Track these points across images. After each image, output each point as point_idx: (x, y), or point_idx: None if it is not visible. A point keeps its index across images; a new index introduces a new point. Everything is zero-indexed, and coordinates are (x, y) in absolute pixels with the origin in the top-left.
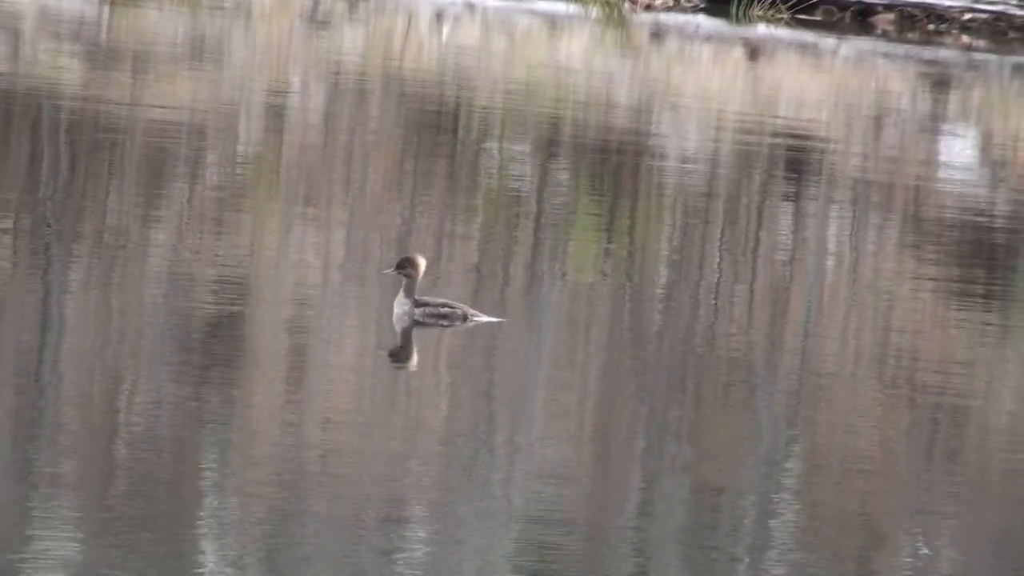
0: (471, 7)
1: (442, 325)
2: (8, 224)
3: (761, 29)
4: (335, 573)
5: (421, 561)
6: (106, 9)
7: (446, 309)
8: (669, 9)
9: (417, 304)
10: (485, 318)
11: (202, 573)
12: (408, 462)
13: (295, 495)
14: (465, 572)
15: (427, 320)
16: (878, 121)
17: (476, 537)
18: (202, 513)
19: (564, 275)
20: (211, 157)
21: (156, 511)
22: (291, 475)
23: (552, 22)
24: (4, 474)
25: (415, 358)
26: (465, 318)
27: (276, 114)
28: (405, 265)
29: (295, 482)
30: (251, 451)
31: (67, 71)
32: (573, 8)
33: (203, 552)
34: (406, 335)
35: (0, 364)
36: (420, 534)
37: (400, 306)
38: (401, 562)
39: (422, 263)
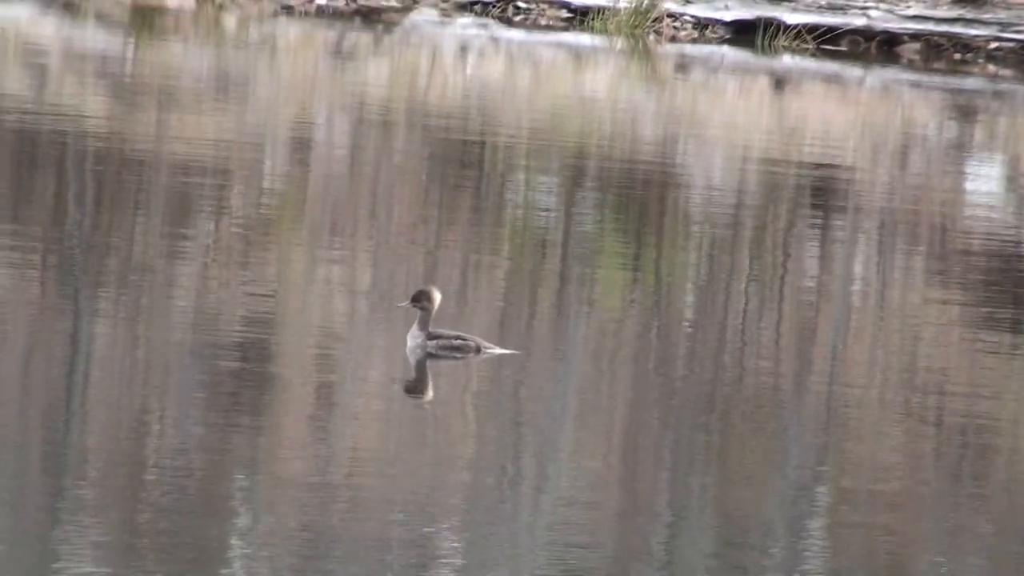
0: (495, 40)
1: (455, 357)
2: (35, 258)
3: (786, 60)
4: None
5: None
6: (131, 44)
7: (459, 341)
8: (694, 41)
9: (430, 336)
10: (499, 350)
11: None
12: (436, 493)
13: (323, 524)
14: None
15: (440, 352)
16: (904, 150)
17: (505, 563)
18: (230, 542)
19: (590, 306)
20: (236, 191)
21: (183, 541)
22: (319, 504)
23: (577, 54)
24: (32, 504)
25: (431, 391)
26: (478, 350)
27: (301, 148)
28: (420, 298)
29: (323, 511)
30: (278, 483)
31: (92, 106)
32: (598, 40)
33: None
34: (420, 367)
35: (27, 396)
36: (449, 561)
37: (413, 339)
38: None
39: (437, 296)
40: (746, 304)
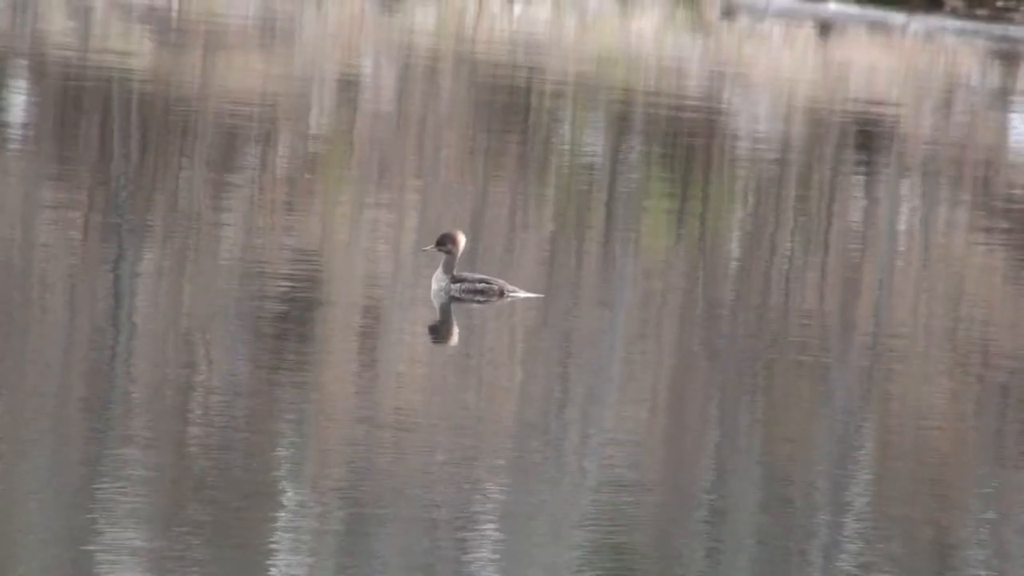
0: None
1: (479, 301)
2: (82, 204)
3: (832, 6)
4: (412, 542)
5: (497, 527)
6: None
7: (483, 284)
8: None
9: (455, 280)
10: (523, 293)
11: (275, 550)
12: (483, 435)
13: (370, 467)
14: (540, 540)
15: (464, 296)
16: (948, 97)
17: (552, 503)
18: (276, 490)
19: (637, 251)
20: (282, 137)
21: (228, 493)
22: (365, 447)
23: (623, 1)
24: (78, 447)
25: (455, 334)
26: (502, 293)
27: (348, 94)
28: (445, 241)
29: (369, 454)
30: (324, 430)
31: (138, 52)
32: None
33: (275, 531)
34: (444, 311)
35: (72, 347)
36: (496, 498)
37: (438, 282)
38: (477, 532)
39: (462, 239)
40: (791, 248)
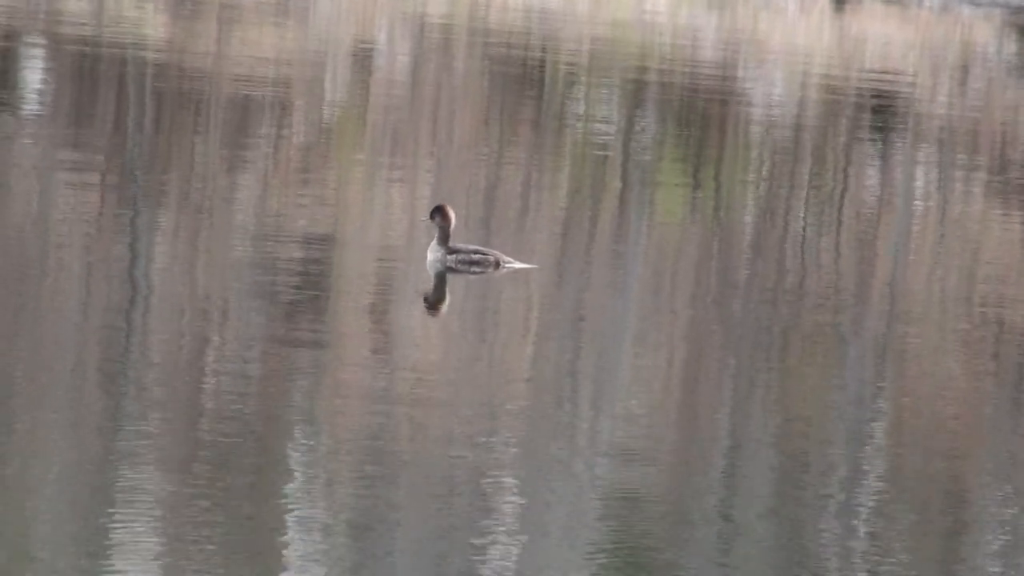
0: None
1: (474, 272)
2: (97, 177)
3: None
4: (429, 519)
5: (511, 502)
6: None
7: (478, 256)
8: None
9: (450, 251)
10: (519, 264)
11: (291, 516)
12: (496, 405)
13: (386, 439)
14: (555, 512)
15: (459, 267)
16: (964, 69)
17: (564, 477)
18: (292, 456)
19: (651, 223)
20: (297, 109)
21: (245, 462)
22: (381, 422)
23: None
24: (95, 416)
25: (447, 303)
26: (497, 264)
27: (362, 66)
28: (435, 215)
29: (385, 428)
30: (338, 401)
31: (153, 25)
32: None
33: (289, 506)
34: (440, 280)
35: (87, 318)
36: (509, 471)
37: (433, 253)
38: (495, 496)
39: (452, 214)
40: (806, 220)
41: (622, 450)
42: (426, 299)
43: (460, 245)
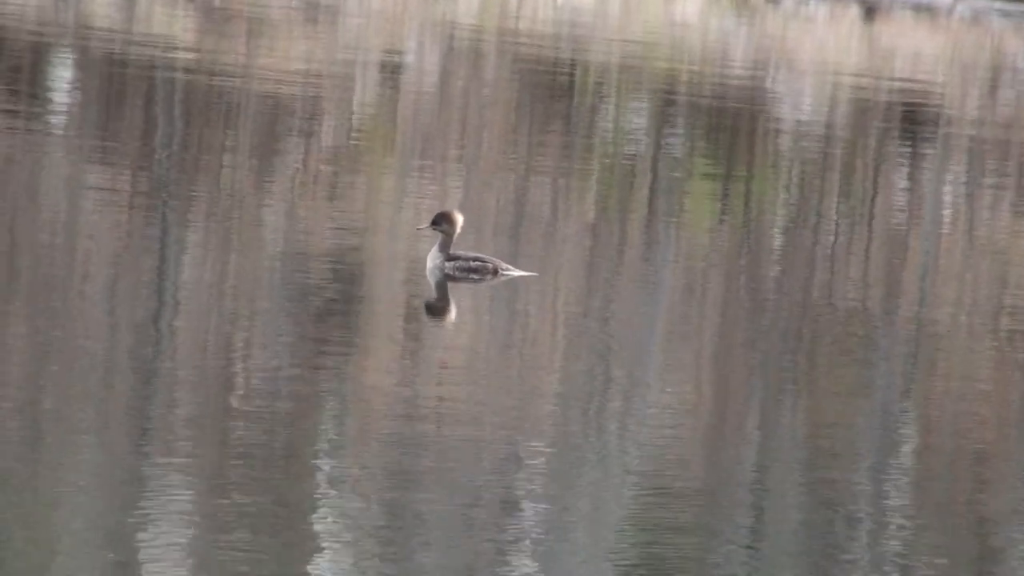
0: None
1: (473, 279)
2: (126, 187)
3: None
4: (454, 524)
5: (539, 511)
6: None
7: (477, 263)
8: None
9: (449, 258)
10: (517, 272)
11: (320, 522)
12: (527, 410)
13: (413, 442)
14: (582, 513)
15: (458, 274)
16: (994, 79)
17: (595, 482)
18: (319, 472)
19: (680, 232)
20: (326, 119)
21: (272, 461)
22: (409, 428)
23: None
24: (123, 422)
25: (452, 311)
26: (496, 272)
27: (391, 75)
28: (441, 221)
29: (413, 434)
30: (367, 411)
31: (182, 34)
32: None
33: (319, 506)
34: (440, 288)
35: (117, 328)
36: (539, 473)
37: (433, 260)
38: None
39: (459, 219)
40: (836, 230)
41: (651, 459)
42: (428, 307)
43: (460, 252)
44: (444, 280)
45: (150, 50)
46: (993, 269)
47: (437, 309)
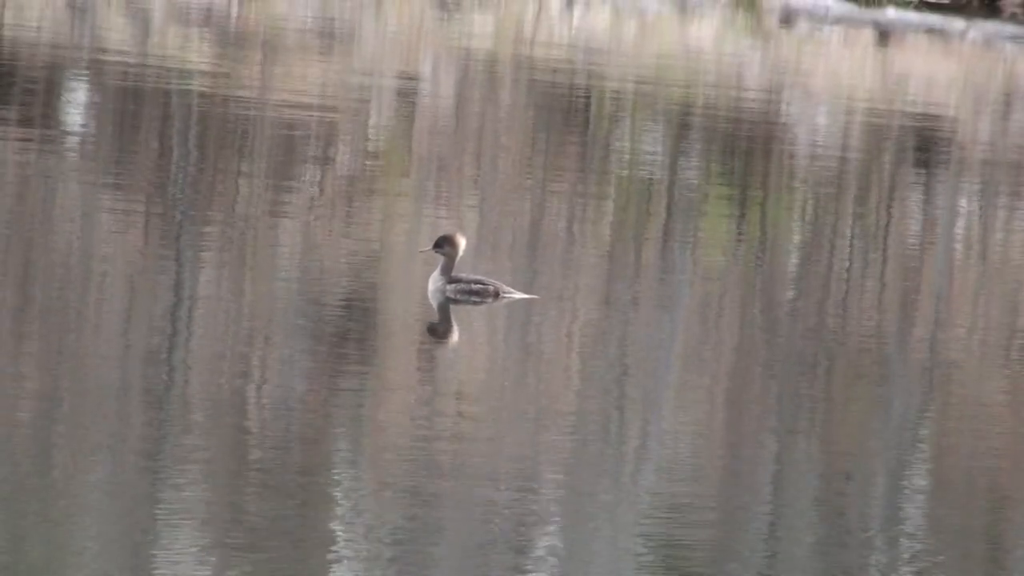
0: None
1: (474, 302)
2: (141, 207)
3: (890, 12)
4: (470, 545)
5: (556, 526)
6: None
7: (478, 286)
8: None
9: (450, 280)
10: (519, 295)
11: (336, 540)
12: (542, 434)
13: (429, 466)
14: (599, 534)
15: (459, 296)
16: (1006, 104)
17: (610, 505)
18: (336, 487)
19: (695, 256)
20: (342, 141)
21: (288, 486)
22: (424, 453)
23: (682, 6)
24: (137, 442)
25: (455, 334)
26: (497, 295)
27: (406, 99)
28: (443, 244)
29: (428, 459)
30: (383, 432)
31: (197, 57)
32: None
33: (333, 527)
34: (443, 311)
35: (132, 350)
36: (555, 495)
37: (434, 282)
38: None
39: (461, 242)
40: (850, 254)
41: (667, 482)
42: (431, 329)
43: (461, 275)
44: (446, 303)
45: (165, 73)
46: (1007, 293)
47: (441, 331)
